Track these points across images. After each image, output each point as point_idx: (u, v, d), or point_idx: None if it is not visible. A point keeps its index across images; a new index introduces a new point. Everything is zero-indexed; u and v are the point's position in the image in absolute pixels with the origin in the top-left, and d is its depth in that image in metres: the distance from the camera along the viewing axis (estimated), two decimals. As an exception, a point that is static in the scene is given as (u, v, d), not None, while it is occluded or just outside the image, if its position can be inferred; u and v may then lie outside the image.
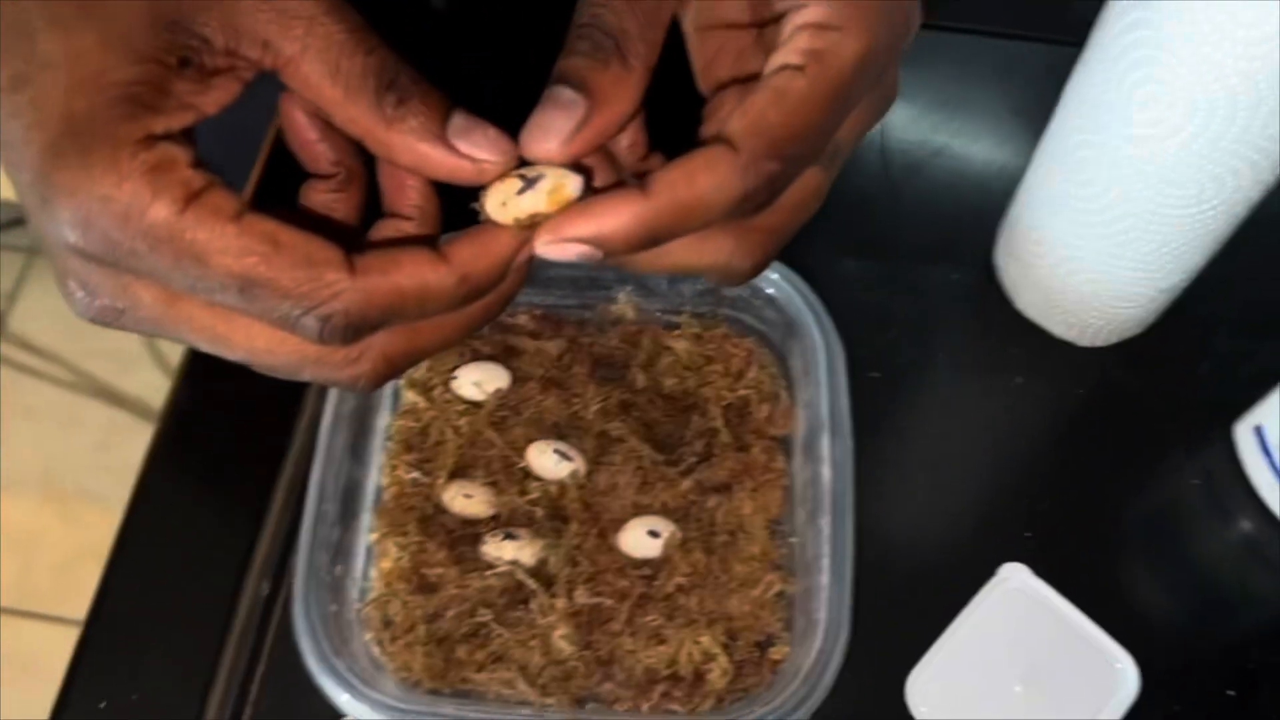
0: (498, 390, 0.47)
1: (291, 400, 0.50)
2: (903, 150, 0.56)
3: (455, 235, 0.28)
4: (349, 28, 0.26)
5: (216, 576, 0.47)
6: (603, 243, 0.27)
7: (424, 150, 0.27)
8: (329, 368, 0.28)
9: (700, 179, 0.27)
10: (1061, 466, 0.49)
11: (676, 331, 0.49)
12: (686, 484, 0.46)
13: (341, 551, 0.44)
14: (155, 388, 1.42)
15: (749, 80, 0.28)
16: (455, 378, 0.48)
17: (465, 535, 0.45)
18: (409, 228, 0.30)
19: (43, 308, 1.45)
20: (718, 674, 0.42)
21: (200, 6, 0.26)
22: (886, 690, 0.44)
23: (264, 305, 0.26)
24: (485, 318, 0.30)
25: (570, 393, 0.48)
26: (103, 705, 0.44)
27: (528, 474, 0.46)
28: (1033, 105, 0.57)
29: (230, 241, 0.25)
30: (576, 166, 0.28)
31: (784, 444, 0.48)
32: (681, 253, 0.29)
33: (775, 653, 0.43)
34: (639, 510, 0.46)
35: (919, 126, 0.57)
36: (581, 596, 0.43)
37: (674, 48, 0.31)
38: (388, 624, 0.44)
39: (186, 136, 0.27)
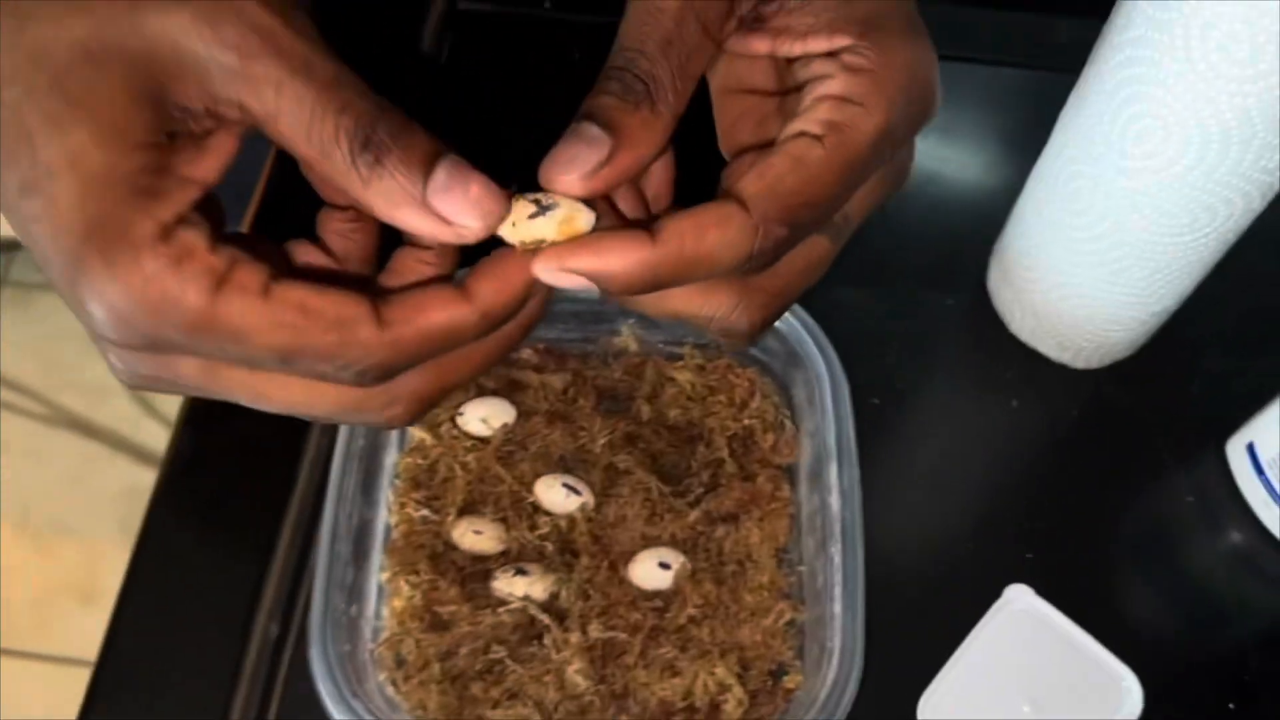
0: (504, 425, 0.48)
1: (296, 439, 0.50)
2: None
3: (474, 269, 0.28)
4: (320, 86, 0.26)
5: (225, 618, 0.47)
6: (603, 280, 0.27)
7: (400, 214, 0.26)
8: (366, 413, 0.29)
9: (710, 234, 0.27)
10: (1059, 486, 0.50)
11: (679, 363, 0.50)
12: (694, 515, 0.46)
13: (355, 592, 0.44)
14: (129, 419, 1.41)
15: (767, 146, 0.29)
16: (462, 414, 0.48)
17: (476, 572, 0.45)
18: (428, 257, 0.30)
19: (14, 341, 1.43)
20: (733, 704, 0.43)
21: (174, 78, 0.26)
22: (898, 714, 0.44)
23: (301, 368, 0.26)
24: (510, 345, 0.30)
25: (576, 426, 0.48)
26: (115, 752, 0.44)
27: (536, 509, 0.46)
28: (1022, 131, 0.58)
29: (263, 318, 0.26)
30: (589, 204, 0.28)
31: (789, 472, 0.48)
32: (683, 301, 0.30)
33: (789, 681, 0.44)
34: (648, 542, 0.46)
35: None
36: (595, 630, 0.43)
37: (701, 105, 0.32)
38: (401, 663, 0.44)
39: (201, 208, 0.27)
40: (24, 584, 1.31)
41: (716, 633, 0.44)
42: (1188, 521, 0.50)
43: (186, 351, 0.26)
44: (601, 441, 0.48)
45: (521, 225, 0.27)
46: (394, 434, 0.48)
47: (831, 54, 0.29)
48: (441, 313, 0.27)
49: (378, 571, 0.45)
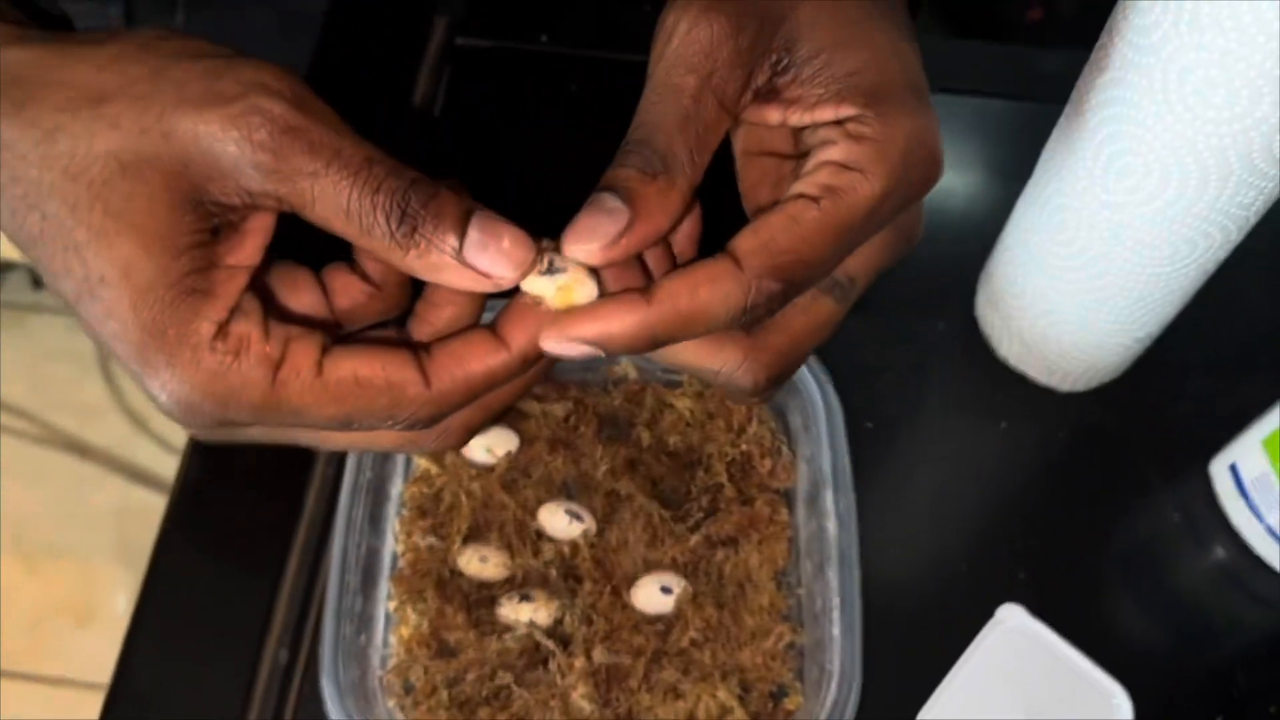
0: (508, 453, 0.49)
1: (302, 468, 0.51)
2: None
3: (504, 315, 0.30)
4: (353, 171, 0.27)
5: (235, 646, 0.48)
6: (605, 343, 0.29)
7: (442, 276, 0.28)
8: (421, 444, 0.32)
9: (702, 290, 0.28)
10: (1049, 507, 0.52)
11: (678, 390, 0.51)
12: (694, 539, 0.48)
13: (364, 620, 0.45)
14: (122, 439, 1.41)
15: None
16: (460, 449, 0.49)
17: (482, 598, 0.46)
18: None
19: (6, 361, 1.44)
20: (735, 726, 0.44)
21: (209, 179, 0.27)
22: (894, 733, 0.46)
23: (359, 428, 0.29)
24: (543, 374, 0.32)
25: (578, 453, 0.49)
26: (130, 780, 0.45)
27: (540, 535, 0.48)
28: (1008, 161, 0.60)
29: (320, 397, 0.28)
30: (597, 277, 0.30)
31: (786, 496, 0.49)
32: (691, 355, 0.31)
33: (789, 703, 0.45)
34: (649, 566, 0.47)
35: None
36: (599, 655, 0.45)
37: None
38: (409, 690, 0.45)
39: (251, 287, 0.29)
40: (18, 605, 1.31)
41: (718, 655, 0.45)
42: (1174, 540, 0.51)
43: (251, 425, 0.29)
44: (603, 468, 0.49)
45: (530, 279, 0.29)
46: (399, 464, 0.49)
47: (838, 122, 0.31)
48: (482, 363, 0.30)
49: (385, 599, 0.46)
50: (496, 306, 0.31)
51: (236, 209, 0.28)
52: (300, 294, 0.31)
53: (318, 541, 0.49)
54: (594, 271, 0.29)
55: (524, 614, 0.45)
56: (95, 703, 0.46)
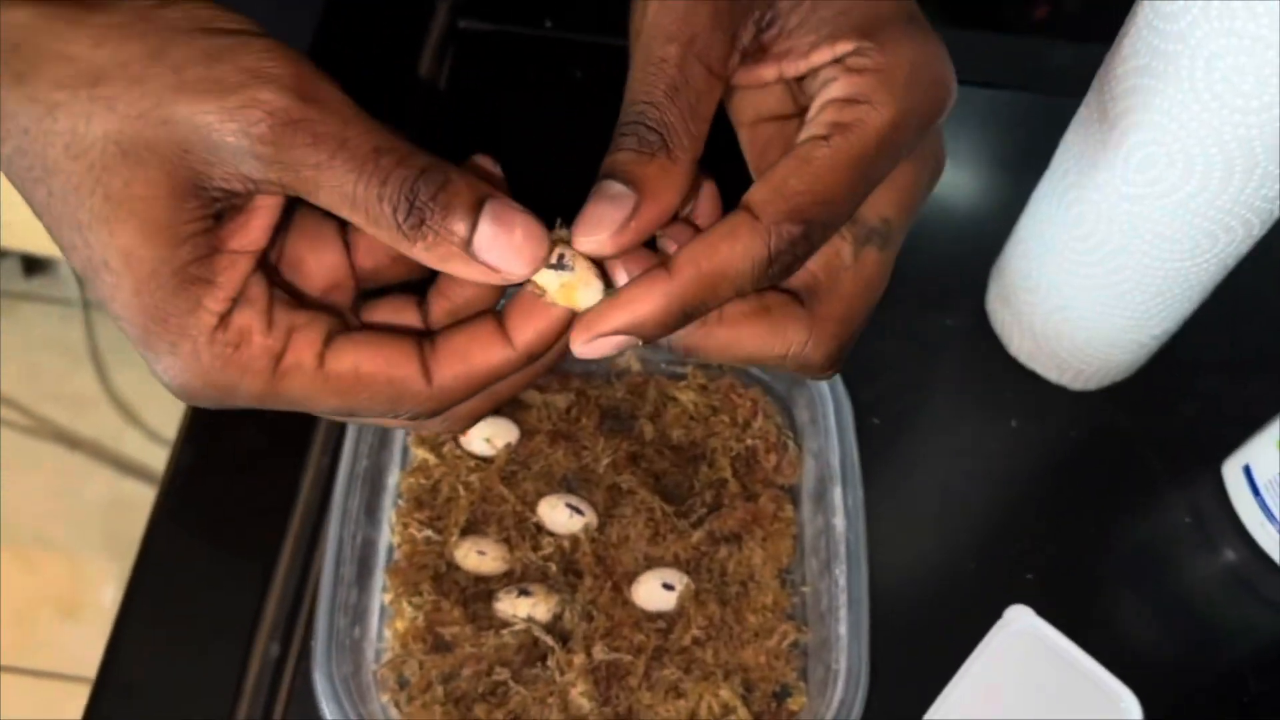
0: (508, 445, 0.48)
1: (296, 456, 0.50)
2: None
3: (511, 308, 0.29)
4: (359, 162, 0.26)
5: (225, 639, 0.46)
6: (637, 329, 0.28)
7: (450, 267, 0.27)
8: (426, 428, 0.32)
9: (722, 248, 0.27)
10: (1058, 508, 0.51)
11: (682, 382, 0.50)
12: (697, 535, 0.46)
13: (358, 613, 0.44)
14: (112, 430, 1.39)
15: None
16: (465, 434, 0.48)
17: (479, 593, 0.45)
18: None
19: (-4, 352, 1.42)
20: (738, 726, 0.43)
21: (211, 165, 0.26)
22: (900, 736, 0.45)
23: (360, 418, 0.29)
24: (553, 364, 0.31)
25: (579, 445, 0.48)
26: (115, 775, 0.43)
27: (540, 529, 0.46)
28: (1021, 155, 0.59)
29: (320, 390, 0.28)
30: (607, 281, 0.29)
31: (791, 493, 0.48)
32: (754, 344, 0.30)
33: (792, 703, 0.44)
34: (651, 562, 0.46)
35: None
36: (599, 652, 0.43)
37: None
38: (404, 684, 0.44)
39: (261, 267, 0.28)
40: (5, 597, 1.29)
41: (720, 654, 0.44)
42: (1185, 542, 0.50)
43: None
44: (605, 461, 0.48)
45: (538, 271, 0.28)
46: (396, 454, 0.48)
47: (836, 61, 0.30)
48: (485, 359, 0.29)
49: (380, 592, 0.45)
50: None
51: (240, 194, 0.27)
52: (322, 252, 0.30)
53: (311, 532, 0.48)
54: (602, 272, 0.28)
55: (522, 609, 0.44)
56: (82, 696, 0.44)
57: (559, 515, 0.46)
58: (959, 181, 0.58)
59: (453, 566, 0.46)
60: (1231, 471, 0.50)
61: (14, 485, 1.36)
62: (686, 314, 0.28)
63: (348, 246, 0.31)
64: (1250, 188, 0.39)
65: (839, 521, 0.44)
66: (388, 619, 0.45)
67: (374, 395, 0.29)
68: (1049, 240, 0.47)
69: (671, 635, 0.44)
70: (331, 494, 0.44)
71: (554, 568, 0.46)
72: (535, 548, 0.46)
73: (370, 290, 0.32)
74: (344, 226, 0.31)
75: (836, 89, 0.29)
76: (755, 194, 0.28)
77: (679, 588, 0.45)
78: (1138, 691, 0.45)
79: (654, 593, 0.45)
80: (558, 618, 0.45)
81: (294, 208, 0.30)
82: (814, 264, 0.30)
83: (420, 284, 0.32)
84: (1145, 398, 0.52)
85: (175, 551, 0.48)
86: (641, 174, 0.28)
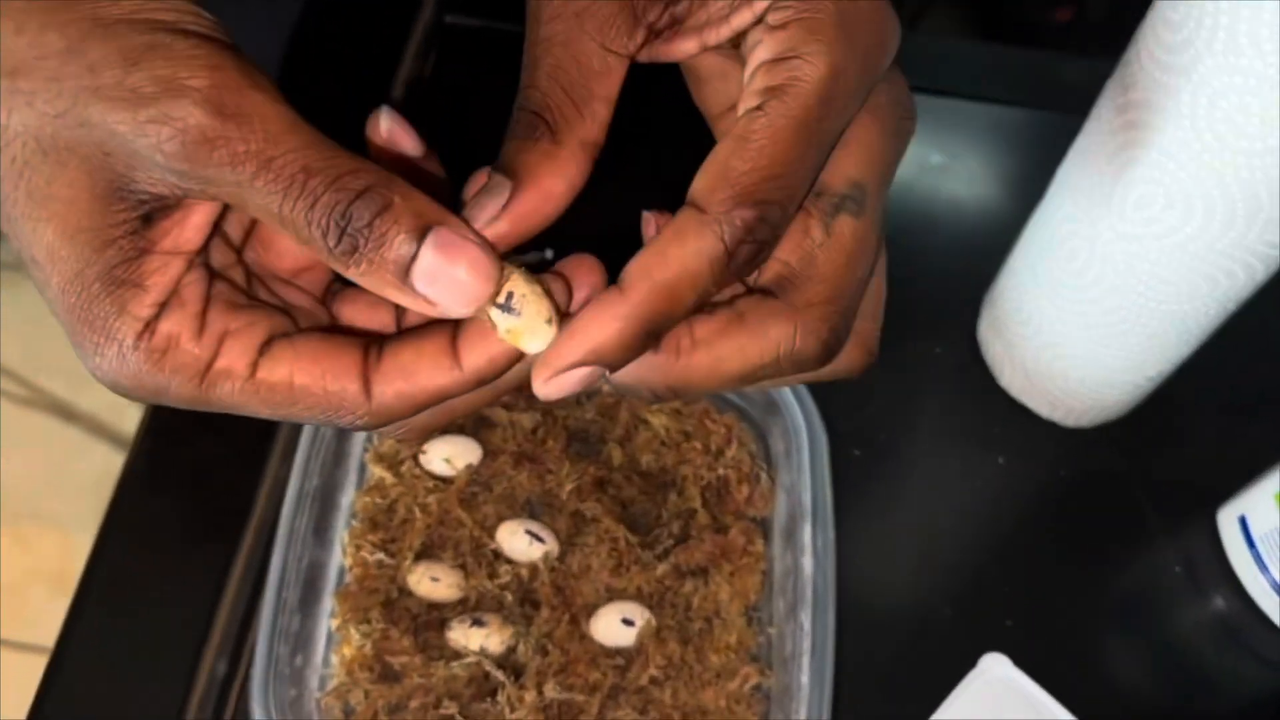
0: (469, 466, 0.46)
1: (253, 466, 0.48)
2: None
3: (466, 331, 0.27)
4: (284, 184, 0.24)
5: (172, 655, 0.45)
6: (600, 357, 0.26)
7: (386, 294, 0.25)
8: (378, 433, 0.31)
9: (672, 252, 0.25)
10: (1043, 551, 0.48)
11: (655, 405, 0.48)
12: (662, 567, 0.45)
13: (302, 640, 0.42)
14: (110, 404, 1.39)
15: None
16: (424, 452, 0.46)
17: (431, 620, 0.43)
18: None
19: (-2, 322, 1.41)
20: (692, 774, 0.41)
21: (133, 168, 0.25)
22: (864, 787, 0.43)
23: (298, 422, 0.28)
24: (511, 388, 0.29)
25: (544, 468, 0.46)
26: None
27: (498, 555, 0.45)
28: (1021, 173, 0.57)
29: (250, 398, 0.26)
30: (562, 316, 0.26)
31: (763, 525, 0.46)
32: (737, 358, 0.27)
33: (751, 751, 0.42)
34: (612, 594, 0.44)
35: (902, 192, 0.56)
36: (551, 690, 0.42)
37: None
38: (349, 714, 0.42)
39: (190, 260, 0.27)
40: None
41: (679, 695, 0.42)
42: (1174, 592, 0.48)
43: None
44: (569, 487, 0.46)
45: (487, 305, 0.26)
46: (353, 472, 0.46)
47: (759, 22, 0.27)
48: (430, 380, 0.27)
49: (328, 617, 0.44)
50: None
51: (168, 197, 0.26)
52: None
53: (265, 545, 0.46)
54: (560, 316, 0.26)
55: (475, 640, 0.43)
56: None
57: (518, 542, 0.44)
58: (958, 199, 0.56)
59: (405, 592, 0.44)
60: (1227, 521, 0.47)
61: (11, 458, 1.35)
62: (649, 332, 0.26)
63: None
64: (1254, 232, 0.36)
65: (807, 562, 0.42)
66: (335, 645, 0.43)
67: (309, 407, 0.27)
68: (1042, 273, 0.45)
69: (629, 673, 0.43)
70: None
71: (510, 597, 0.44)
72: (492, 575, 0.44)
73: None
74: None
75: (762, 51, 0.27)
76: (697, 185, 0.26)
77: (639, 623, 0.43)
78: (1117, 748, 0.43)
79: (613, 627, 0.43)
80: (511, 650, 0.43)
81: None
82: (783, 251, 0.28)
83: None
84: (1139, 438, 0.50)
85: (124, 562, 0.47)
86: (520, 160, 0.26)
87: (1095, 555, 0.48)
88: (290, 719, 0.40)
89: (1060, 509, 0.49)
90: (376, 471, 0.46)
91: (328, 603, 0.44)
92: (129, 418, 1.37)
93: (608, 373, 0.26)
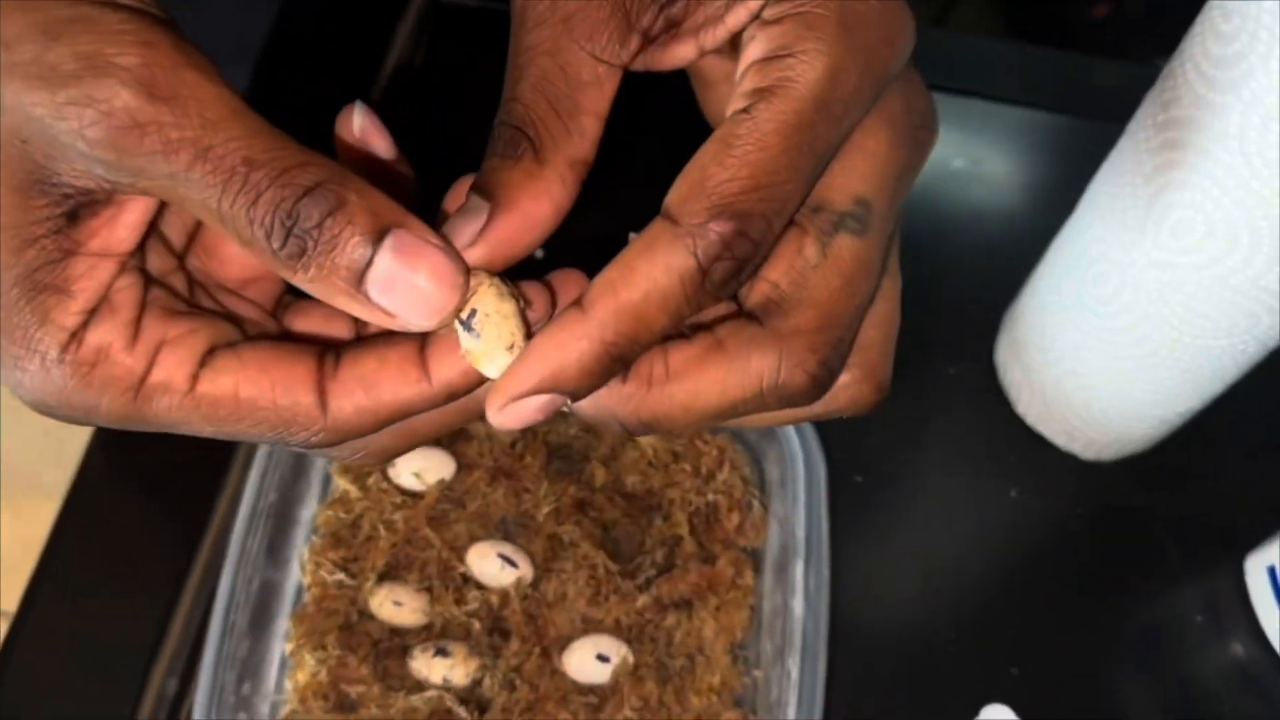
0: (440, 481, 0.43)
1: (213, 472, 0.45)
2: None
3: (435, 342, 0.24)
4: (223, 177, 0.21)
5: (121, 672, 0.42)
6: (559, 384, 0.23)
7: (338, 304, 0.23)
8: (332, 454, 0.26)
9: (639, 268, 0.22)
10: (1053, 593, 0.45)
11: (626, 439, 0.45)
12: (643, 599, 0.42)
13: (250, 666, 0.39)
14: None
15: None
16: (393, 465, 0.43)
17: (392, 647, 0.41)
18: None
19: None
20: (664, 827, 0.38)
21: (55, 159, 0.22)
22: (850, 845, 0.40)
23: (244, 440, 0.25)
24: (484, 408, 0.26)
25: (521, 486, 0.43)
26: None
27: (467, 579, 0.42)
28: (1049, 183, 0.53)
29: (191, 415, 0.24)
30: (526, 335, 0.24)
31: (754, 556, 0.43)
32: (715, 391, 0.24)
33: (729, 804, 0.39)
34: (588, 626, 0.41)
35: (920, 198, 0.52)
36: (517, 729, 0.39)
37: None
38: (300, 745, 0.39)
39: (123, 263, 0.24)
40: (-9, 540, 1.28)
41: (655, 739, 0.39)
42: (1194, 642, 0.45)
43: None
44: (547, 508, 0.43)
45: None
46: (315, 484, 0.43)
47: (756, 19, 0.24)
48: (393, 393, 0.24)
49: (283, 639, 0.41)
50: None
51: (96, 191, 0.23)
52: None
53: (221, 560, 0.44)
54: (527, 325, 0.24)
55: (438, 671, 0.40)
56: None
57: (489, 566, 0.41)
58: (978, 207, 0.53)
59: (365, 615, 0.41)
60: (1254, 569, 0.44)
61: (9, 430, 1.34)
62: (615, 356, 0.23)
63: None
64: (1303, 269, 0.33)
65: (797, 604, 0.39)
66: (289, 670, 0.40)
67: (256, 423, 0.24)
68: (1067, 296, 0.41)
69: (602, 714, 0.40)
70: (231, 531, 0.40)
71: (478, 626, 0.41)
72: (460, 601, 0.41)
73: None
74: None
75: (754, 50, 0.24)
76: (672, 194, 0.23)
77: (615, 660, 0.40)
78: (1125, 811, 0.40)
79: (587, 663, 0.40)
80: (477, 684, 0.40)
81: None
82: (772, 272, 0.25)
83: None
84: (1162, 474, 0.47)
85: (74, 571, 0.44)
86: (501, 180, 0.23)
87: (1111, 599, 0.45)
88: (237, 749, 0.37)
89: (1075, 548, 0.46)
90: (341, 484, 0.43)
91: (282, 624, 0.41)
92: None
93: (570, 402, 0.23)
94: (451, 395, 0.24)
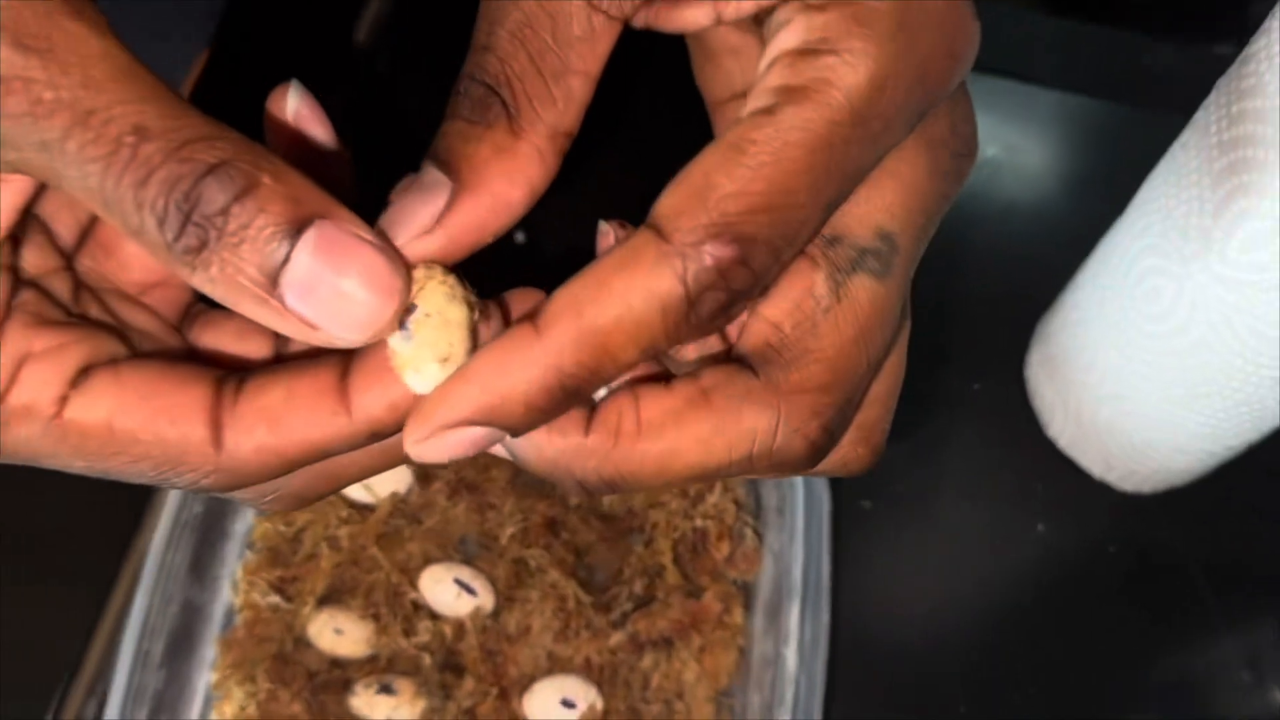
0: (394, 494, 0.38)
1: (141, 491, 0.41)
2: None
3: (358, 365, 0.20)
4: (106, 149, 0.17)
5: (36, 693, 0.38)
6: (497, 417, 0.19)
7: (246, 310, 0.19)
8: (240, 500, 0.22)
9: (613, 288, 0.18)
10: (1079, 641, 0.41)
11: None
12: (618, 636, 0.37)
13: (167, 700, 0.35)
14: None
15: None
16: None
17: (331, 681, 0.36)
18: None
19: None
20: None
21: None
22: None
23: (122, 479, 0.21)
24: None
25: (485, 501, 0.39)
26: None
27: (418, 607, 0.38)
28: (1093, 178, 0.49)
29: (56, 445, 0.20)
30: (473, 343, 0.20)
31: (744, 589, 0.39)
32: (696, 452, 0.20)
33: None
34: (554, 665, 0.37)
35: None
36: (466, 783, 0.34)
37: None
38: (222, 790, 0.35)
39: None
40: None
41: (623, 797, 0.35)
42: (1236, 700, 0.40)
43: None
44: (512, 528, 0.38)
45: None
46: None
47: None
48: (305, 429, 0.20)
49: (208, 669, 0.36)
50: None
51: None
52: None
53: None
54: (474, 342, 0.20)
55: (380, 710, 0.36)
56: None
57: (444, 592, 0.37)
58: (1012, 202, 0.48)
59: (302, 643, 0.37)
60: (1309, 624, 0.39)
61: None
62: (569, 390, 0.19)
63: None
64: (1401, 296, 0.28)
65: (790, 655, 0.35)
66: (214, 703, 0.36)
67: (134, 459, 0.20)
68: (1111, 311, 0.36)
69: (563, 767, 0.35)
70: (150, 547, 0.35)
71: (429, 660, 0.37)
72: (409, 631, 0.37)
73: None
74: None
75: (789, 37, 0.20)
76: (664, 201, 0.19)
77: (582, 705, 0.36)
78: None
79: (550, 708, 0.36)
80: (424, 726, 0.36)
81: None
82: (775, 310, 0.21)
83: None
84: (1207, 511, 0.42)
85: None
86: (468, 153, 0.19)
87: (1144, 648, 0.41)
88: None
89: (1104, 590, 0.41)
90: (283, 494, 0.38)
91: (208, 652, 0.36)
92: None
93: (508, 438, 0.19)
94: (376, 434, 0.20)
